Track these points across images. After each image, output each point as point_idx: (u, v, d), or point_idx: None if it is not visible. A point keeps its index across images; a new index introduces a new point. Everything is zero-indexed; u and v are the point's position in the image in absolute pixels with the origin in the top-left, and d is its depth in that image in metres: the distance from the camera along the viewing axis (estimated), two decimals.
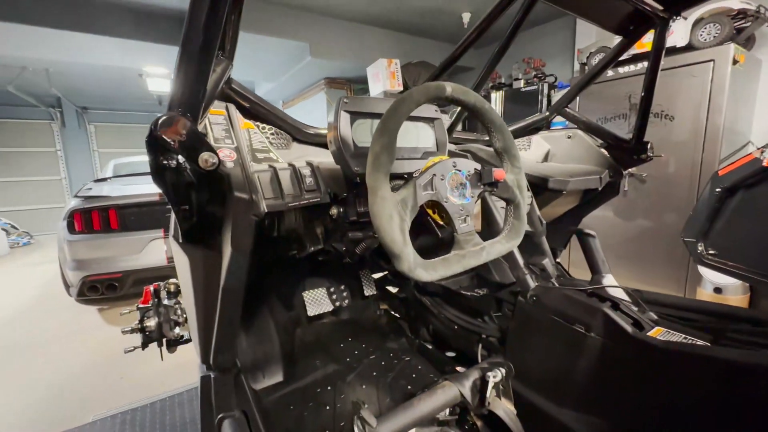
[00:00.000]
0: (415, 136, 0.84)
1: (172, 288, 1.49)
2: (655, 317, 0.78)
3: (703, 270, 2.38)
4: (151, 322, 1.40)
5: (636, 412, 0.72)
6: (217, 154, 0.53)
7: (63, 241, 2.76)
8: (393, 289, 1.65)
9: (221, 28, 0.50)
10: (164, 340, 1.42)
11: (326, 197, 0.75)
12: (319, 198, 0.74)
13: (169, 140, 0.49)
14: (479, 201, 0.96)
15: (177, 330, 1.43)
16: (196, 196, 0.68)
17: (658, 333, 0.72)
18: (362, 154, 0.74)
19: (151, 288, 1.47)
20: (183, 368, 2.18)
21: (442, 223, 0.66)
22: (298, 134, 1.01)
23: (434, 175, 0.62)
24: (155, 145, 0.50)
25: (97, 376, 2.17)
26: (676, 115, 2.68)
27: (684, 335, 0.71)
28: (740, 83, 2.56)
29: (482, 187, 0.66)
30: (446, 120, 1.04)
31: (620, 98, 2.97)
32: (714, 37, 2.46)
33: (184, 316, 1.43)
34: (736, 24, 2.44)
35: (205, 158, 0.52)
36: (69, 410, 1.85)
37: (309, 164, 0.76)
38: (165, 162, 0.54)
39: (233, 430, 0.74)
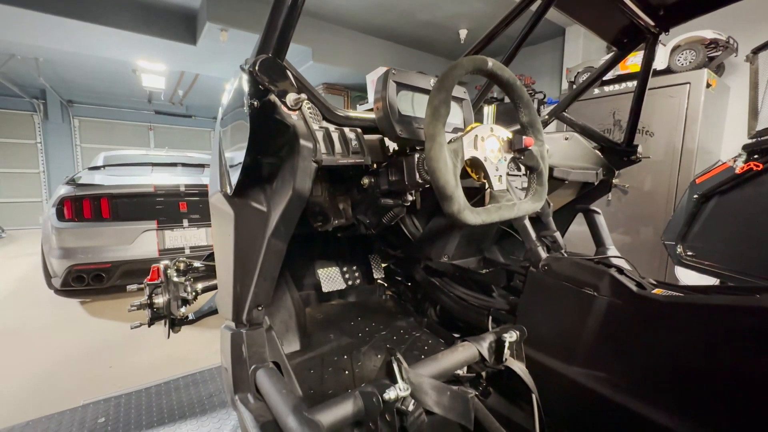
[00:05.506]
0: None
1: (182, 266, 1.49)
2: (655, 282, 0.87)
3: (678, 274, 2.55)
4: (160, 299, 1.39)
5: (639, 364, 0.81)
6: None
7: (50, 229, 2.67)
8: (399, 278, 1.71)
9: None
10: (171, 318, 1.42)
11: (368, 160, 0.82)
12: (363, 160, 0.81)
13: (263, 78, 0.55)
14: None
15: (183, 309, 1.43)
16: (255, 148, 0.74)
17: (659, 292, 0.82)
18: (405, 121, 0.82)
19: (161, 265, 1.46)
20: (178, 362, 2.14)
21: (476, 179, 0.74)
22: (327, 113, 1.08)
23: (476, 135, 0.70)
24: (252, 82, 0.55)
25: (84, 365, 2.10)
26: (656, 132, 2.90)
27: (682, 294, 0.81)
28: (712, 106, 2.82)
29: (513, 152, 0.75)
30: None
31: (605, 115, 3.19)
32: (690, 62, 2.72)
33: (194, 294, 1.43)
34: (708, 52, 2.70)
35: (294, 97, 0.58)
36: (55, 398, 1.78)
37: (354, 130, 0.83)
38: (252, 102, 0.59)
39: (269, 378, 0.77)
